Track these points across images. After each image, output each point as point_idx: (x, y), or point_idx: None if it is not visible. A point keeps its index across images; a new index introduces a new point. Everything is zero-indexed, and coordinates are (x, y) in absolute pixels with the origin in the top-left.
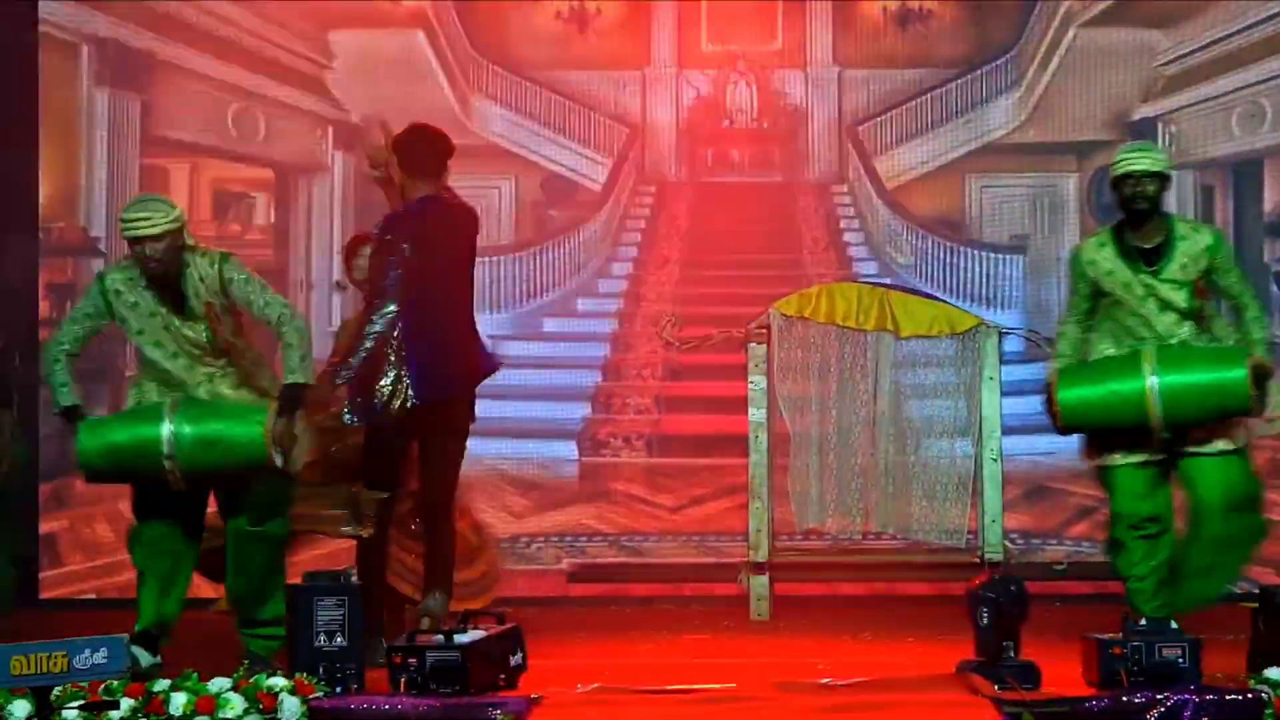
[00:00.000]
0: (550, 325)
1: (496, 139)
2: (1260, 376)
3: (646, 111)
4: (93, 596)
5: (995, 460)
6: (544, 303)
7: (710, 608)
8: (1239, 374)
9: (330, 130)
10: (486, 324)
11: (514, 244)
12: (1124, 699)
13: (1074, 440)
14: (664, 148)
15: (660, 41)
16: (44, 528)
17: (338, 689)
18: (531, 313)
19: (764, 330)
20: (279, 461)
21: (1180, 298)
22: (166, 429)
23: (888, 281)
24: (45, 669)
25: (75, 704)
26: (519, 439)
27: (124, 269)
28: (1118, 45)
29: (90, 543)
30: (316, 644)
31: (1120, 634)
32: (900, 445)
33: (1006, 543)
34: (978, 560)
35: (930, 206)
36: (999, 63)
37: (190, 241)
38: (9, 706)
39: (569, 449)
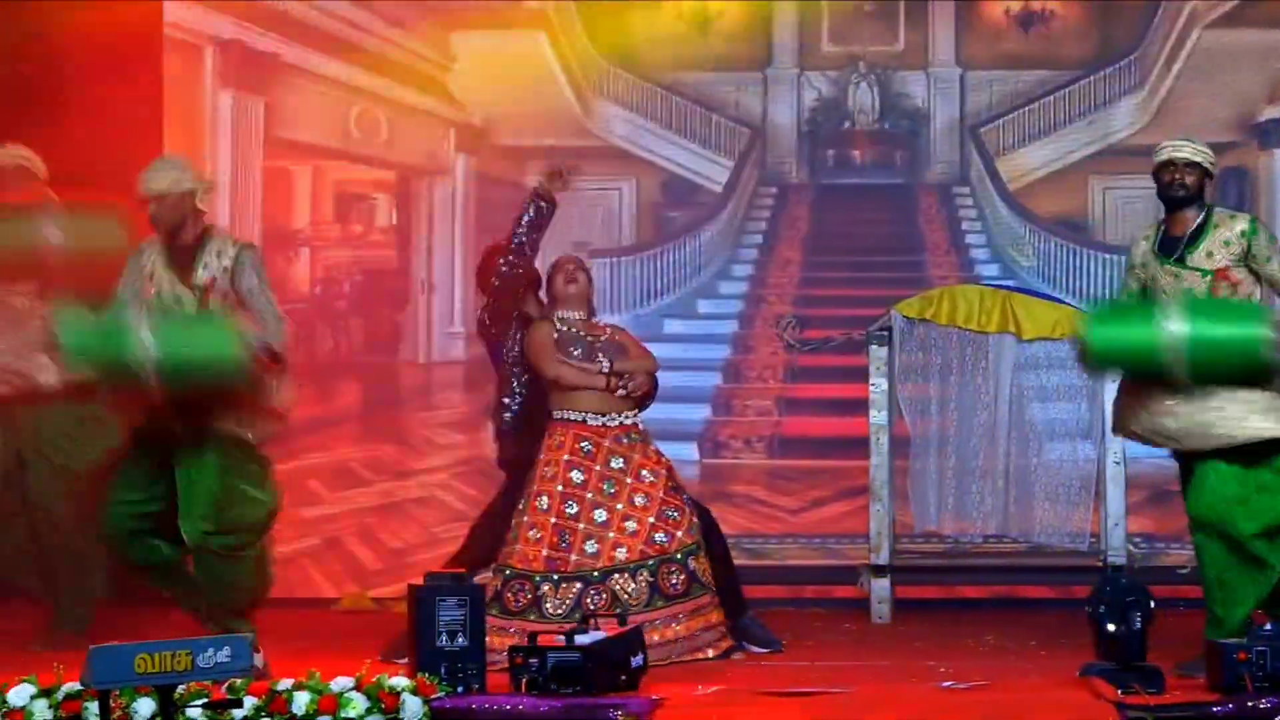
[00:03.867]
0: (671, 327)
1: (617, 141)
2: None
3: (767, 112)
4: None
5: (1119, 463)
6: (664, 304)
7: (831, 610)
8: (1256, 330)
9: (452, 132)
10: None
11: (634, 245)
12: (1249, 704)
13: None
14: (785, 149)
15: (781, 42)
16: None
17: (459, 689)
18: (652, 314)
19: (885, 332)
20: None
21: (1203, 286)
22: (145, 347)
23: (1010, 284)
24: (169, 667)
25: (199, 703)
26: None
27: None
28: (1243, 46)
29: None
30: (438, 644)
31: (1245, 638)
32: (1022, 448)
33: (1130, 546)
34: (1100, 564)
35: (1053, 208)
36: (1122, 64)
37: (200, 210)
38: (134, 705)
39: (689, 450)
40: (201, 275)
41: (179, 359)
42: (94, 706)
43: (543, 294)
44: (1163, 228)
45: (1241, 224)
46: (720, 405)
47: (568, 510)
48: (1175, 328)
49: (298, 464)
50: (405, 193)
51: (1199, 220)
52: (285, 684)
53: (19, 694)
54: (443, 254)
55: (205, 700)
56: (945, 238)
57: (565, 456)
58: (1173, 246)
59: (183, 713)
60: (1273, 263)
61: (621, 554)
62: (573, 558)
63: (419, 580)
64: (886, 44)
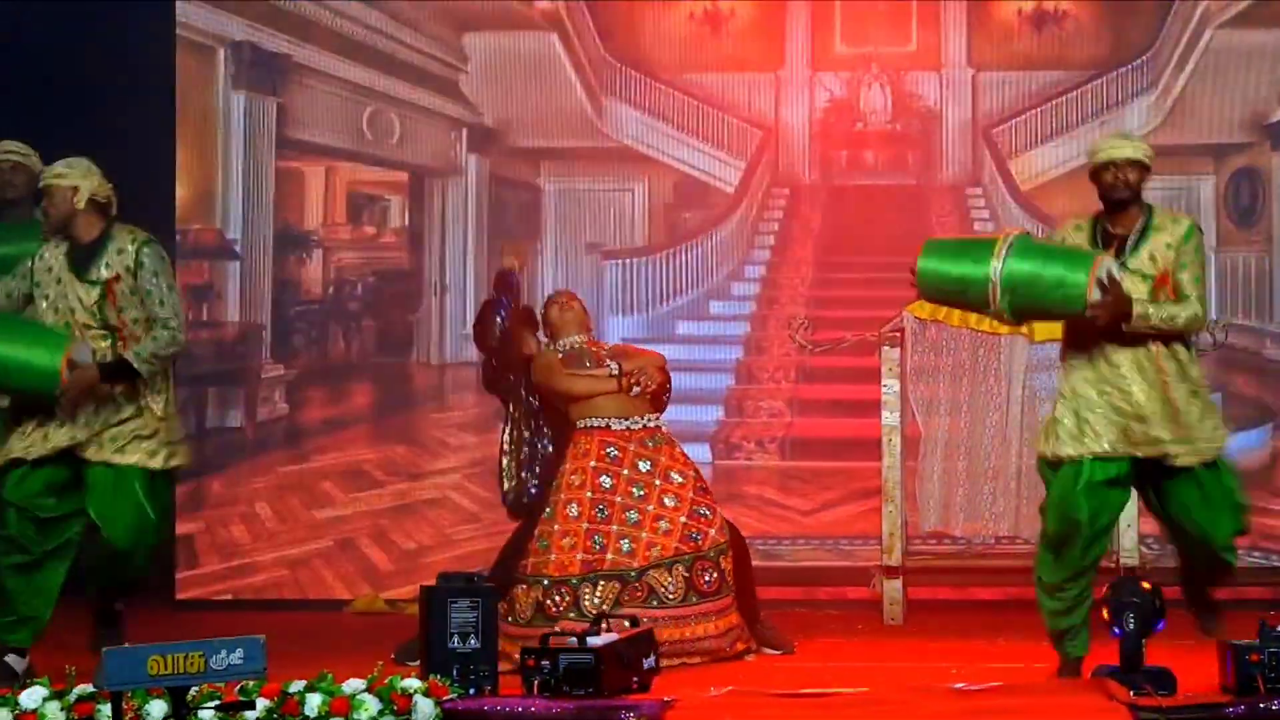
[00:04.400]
0: (683, 328)
1: (629, 142)
2: (1108, 289)
3: (780, 113)
4: (229, 597)
5: None
6: (677, 305)
7: (843, 611)
8: (1082, 276)
9: (464, 133)
10: (619, 327)
11: (647, 247)
12: (1261, 705)
13: None
14: (797, 150)
15: (794, 43)
16: (180, 529)
17: (471, 690)
18: (664, 316)
19: (897, 333)
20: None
21: (1143, 290)
22: None
23: None
24: (182, 669)
25: (211, 704)
26: None
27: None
28: (1255, 47)
29: (226, 544)
30: (450, 645)
31: (1257, 640)
32: (1033, 449)
33: (1142, 548)
34: (1113, 565)
35: (1065, 209)
36: (1135, 65)
37: (96, 211)
38: (146, 706)
39: (702, 452)
40: (104, 272)
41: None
42: (106, 709)
43: (541, 334)
44: (1101, 223)
45: (1182, 227)
46: (732, 407)
47: (598, 515)
48: (998, 264)
49: (311, 465)
50: (417, 194)
51: (1142, 222)
52: (297, 686)
53: (31, 696)
54: (455, 255)
55: (218, 701)
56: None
57: (592, 463)
58: (1112, 244)
59: (195, 714)
60: (1186, 272)
61: (656, 551)
62: (609, 557)
63: (431, 582)
64: (899, 45)
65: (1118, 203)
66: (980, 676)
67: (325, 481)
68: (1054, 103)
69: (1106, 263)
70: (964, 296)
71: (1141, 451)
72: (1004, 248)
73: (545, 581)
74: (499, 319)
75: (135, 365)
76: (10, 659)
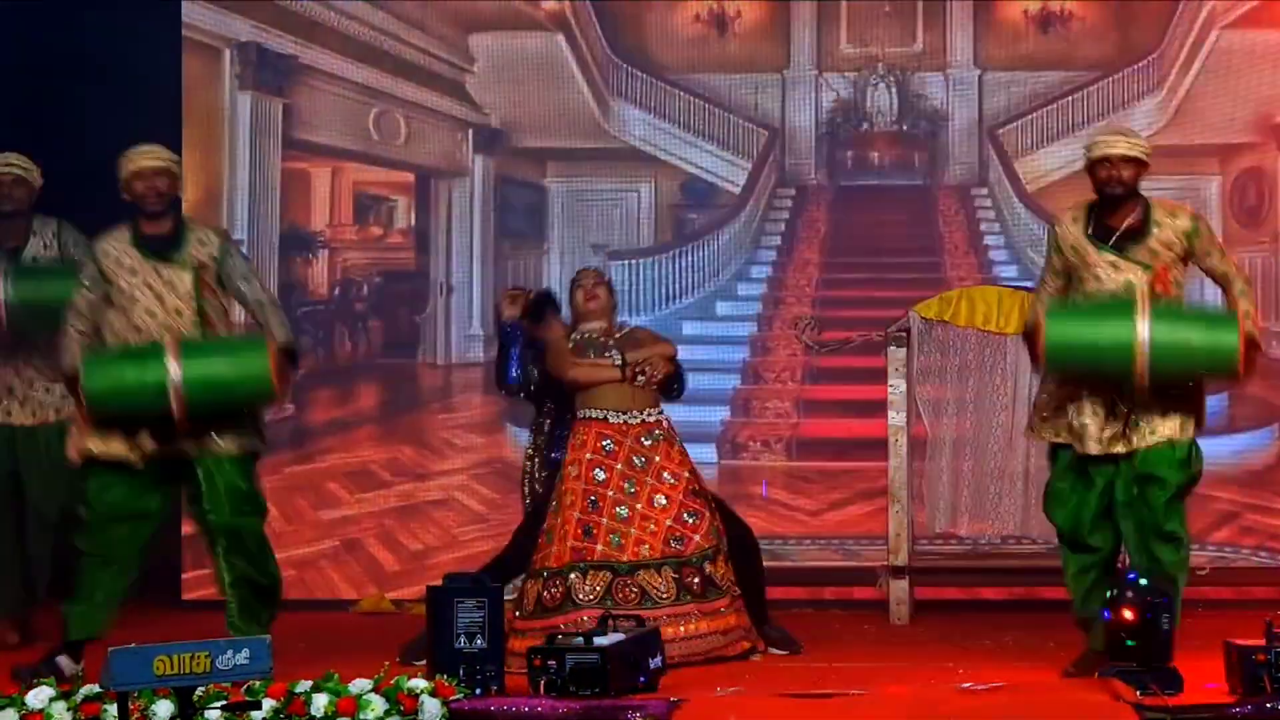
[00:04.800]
0: (689, 328)
1: (635, 142)
2: (1250, 346)
3: (786, 114)
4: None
5: None
6: (683, 306)
7: (850, 611)
8: (1233, 339)
9: (470, 133)
10: None
11: (653, 247)
12: (1268, 706)
13: (1216, 445)
14: (803, 150)
15: (799, 43)
16: (186, 529)
17: (477, 690)
18: (670, 316)
19: (904, 334)
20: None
21: (1144, 280)
22: (173, 369)
23: (1028, 285)
24: (189, 669)
25: (217, 704)
26: None
27: (112, 233)
28: (1262, 47)
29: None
30: (456, 645)
31: (1264, 640)
32: (1041, 449)
33: None
34: (1119, 566)
35: None
36: (1141, 65)
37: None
38: (152, 706)
39: (708, 452)
40: (193, 257)
41: (208, 382)
42: (113, 709)
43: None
44: (1094, 213)
45: (1184, 223)
46: (739, 407)
47: (589, 506)
48: (1144, 334)
49: (317, 466)
50: (424, 194)
51: (1140, 214)
52: (304, 685)
53: (37, 696)
54: (461, 255)
55: (224, 701)
56: (964, 239)
57: (588, 455)
58: (1108, 235)
59: (201, 715)
60: (1213, 256)
61: (645, 550)
62: (598, 548)
63: (438, 582)
64: (905, 45)
65: (1111, 198)
66: (986, 677)
67: (331, 482)
68: (1060, 103)
69: (1247, 321)
70: (1098, 366)
71: None
72: (1143, 314)
73: (544, 574)
74: (515, 374)
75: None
76: (62, 661)
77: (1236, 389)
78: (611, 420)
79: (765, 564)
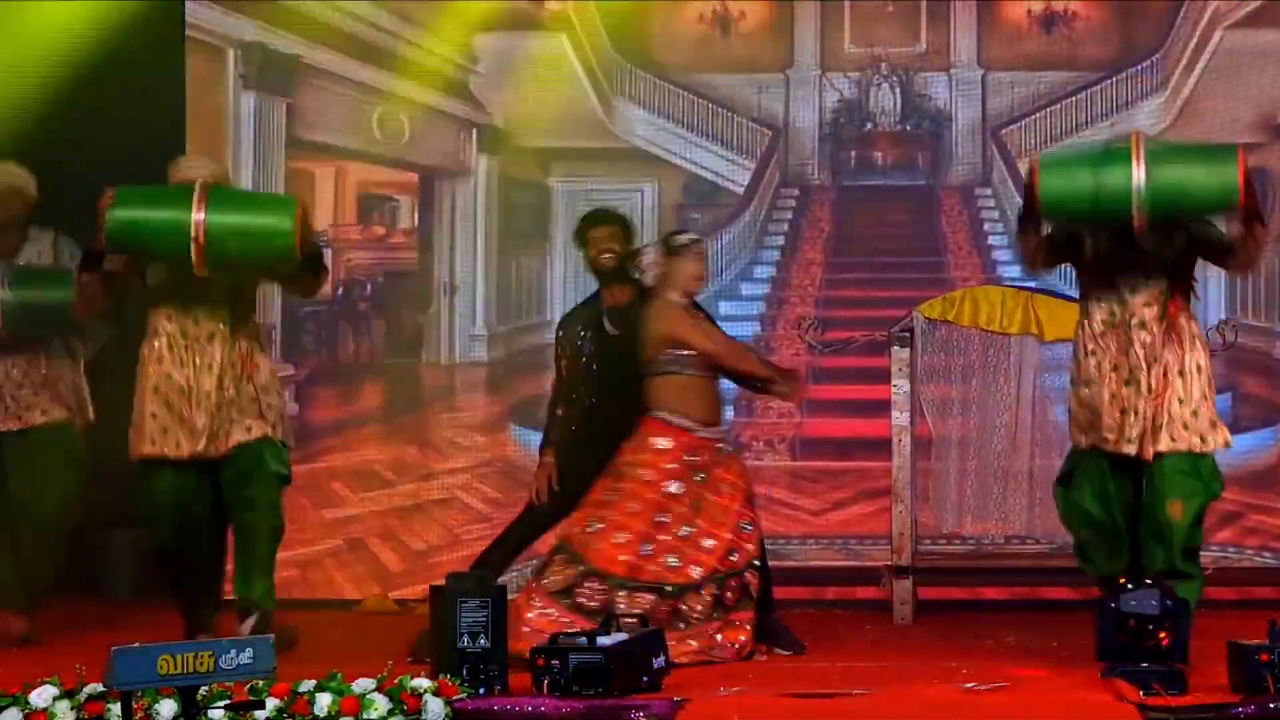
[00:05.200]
0: None
1: (639, 142)
2: (1248, 179)
3: (789, 114)
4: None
5: None
6: None
7: (853, 611)
8: (1231, 170)
9: (474, 133)
10: None
11: None
12: (1271, 706)
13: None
14: (806, 150)
15: (803, 44)
16: None
17: (481, 690)
18: None
19: (907, 333)
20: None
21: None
22: (198, 215)
23: (1032, 285)
24: (192, 669)
25: (221, 704)
26: None
27: None
28: (1265, 47)
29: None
30: (460, 645)
31: (1267, 640)
32: (1045, 449)
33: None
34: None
35: None
36: (1144, 65)
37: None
38: (156, 706)
39: None
40: None
41: (230, 227)
42: (116, 708)
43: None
44: None
45: None
46: (742, 406)
47: (657, 519)
48: (1139, 172)
49: (320, 465)
50: (427, 194)
51: None
52: (307, 685)
53: (41, 695)
54: (465, 255)
55: (228, 701)
56: (967, 239)
57: (668, 465)
58: None
59: (205, 714)
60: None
61: (696, 572)
62: (651, 568)
63: (441, 581)
64: (908, 45)
65: None
66: (990, 677)
67: (335, 481)
68: (1063, 103)
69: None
70: (1096, 211)
71: None
72: (1138, 154)
73: (582, 567)
74: None
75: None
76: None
77: (1236, 220)
78: (699, 434)
79: (769, 564)
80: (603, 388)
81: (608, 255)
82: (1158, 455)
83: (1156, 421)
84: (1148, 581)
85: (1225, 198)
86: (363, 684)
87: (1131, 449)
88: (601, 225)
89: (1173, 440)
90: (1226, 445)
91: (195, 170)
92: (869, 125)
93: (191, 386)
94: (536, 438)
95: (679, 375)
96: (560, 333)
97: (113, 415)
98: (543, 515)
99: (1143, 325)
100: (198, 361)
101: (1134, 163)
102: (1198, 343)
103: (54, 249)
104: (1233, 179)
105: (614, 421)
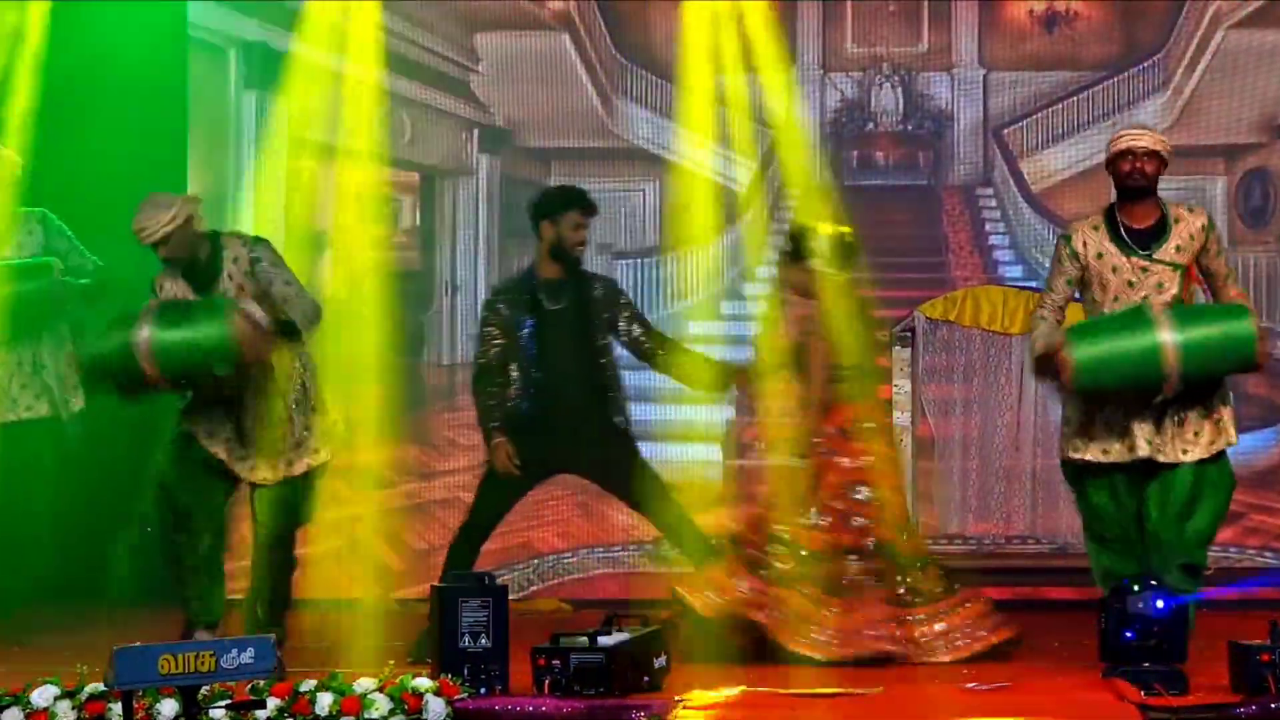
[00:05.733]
0: (694, 328)
1: (640, 142)
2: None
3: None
4: (239, 597)
5: None
6: (688, 306)
7: None
8: (1248, 326)
9: (475, 133)
10: None
11: (658, 247)
12: (1272, 705)
13: None
14: (808, 150)
15: (805, 43)
16: None
17: (482, 690)
18: (675, 316)
19: (909, 333)
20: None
21: (1175, 280)
22: (143, 332)
23: (1033, 285)
24: (193, 668)
25: (222, 703)
26: (662, 442)
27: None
28: (1267, 47)
29: (236, 543)
30: (461, 645)
31: (1267, 640)
32: (1046, 449)
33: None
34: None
35: (1077, 209)
36: (1146, 65)
37: (201, 228)
38: (157, 705)
39: (713, 452)
40: (228, 286)
41: (171, 342)
42: (117, 707)
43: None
44: (1116, 217)
45: (1201, 219)
46: (744, 406)
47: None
48: (1169, 336)
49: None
50: (428, 194)
51: (1159, 215)
52: (308, 685)
53: (42, 695)
54: (466, 255)
55: (229, 700)
56: (969, 239)
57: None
58: (1137, 239)
59: (206, 714)
60: (1222, 257)
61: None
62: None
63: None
64: (910, 45)
65: (1133, 192)
66: (991, 676)
67: (336, 481)
68: (1065, 103)
69: (1249, 303)
70: (1134, 375)
71: None
72: (1162, 318)
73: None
74: None
75: (299, 324)
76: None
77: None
78: None
79: None
80: (543, 363)
81: (581, 243)
82: (1170, 462)
83: (1165, 424)
84: (1151, 582)
85: (1248, 355)
86: (364, 684)
87: (1143, 452)
88: (575, 208)
89: (1184, 445)
90: (1229, 445)
91: (151, 222)
92: (870, 125)
93: None
94: None
95: None
96: (493, 308)
97: (113, 415)
98: (502, 495)
99: None
100: None
101: (1158, 329)
102: None
103: (42, 226)
104: (1251, 335)
105: (559, 396)
